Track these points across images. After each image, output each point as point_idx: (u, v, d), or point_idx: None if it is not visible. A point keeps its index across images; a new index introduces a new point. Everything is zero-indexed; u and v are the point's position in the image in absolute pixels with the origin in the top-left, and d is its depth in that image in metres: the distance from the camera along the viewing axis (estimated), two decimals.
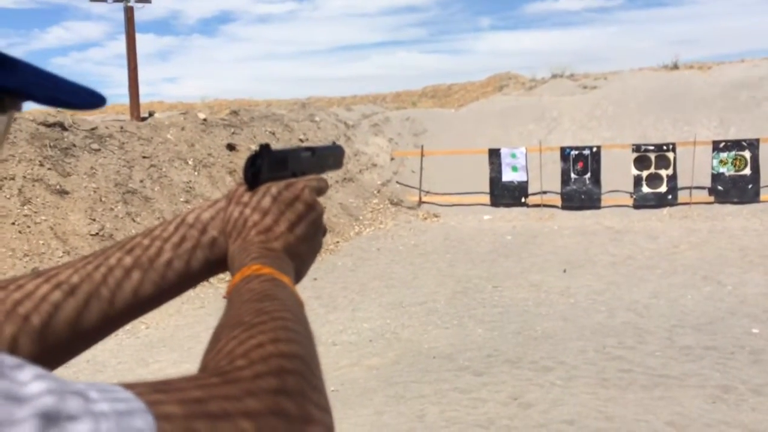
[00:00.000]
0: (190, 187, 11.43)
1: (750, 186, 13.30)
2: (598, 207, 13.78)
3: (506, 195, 14.42)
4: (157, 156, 11.55)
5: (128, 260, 0.69)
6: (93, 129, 10.96)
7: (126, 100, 14.52)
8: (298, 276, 0.72)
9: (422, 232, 12.83)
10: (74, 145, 10.38)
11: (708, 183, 13.53)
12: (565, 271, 9.40)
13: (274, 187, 0.73)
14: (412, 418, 4.81)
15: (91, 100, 0.55)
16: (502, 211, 14.15)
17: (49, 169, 9.63)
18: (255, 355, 0.49)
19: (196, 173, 11.84)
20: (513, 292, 8.42)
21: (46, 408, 0.33)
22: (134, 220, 9.89)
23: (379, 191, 14.72)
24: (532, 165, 14.20)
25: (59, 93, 0.53)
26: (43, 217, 8.91)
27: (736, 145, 13.61)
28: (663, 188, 13.67)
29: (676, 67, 18.25)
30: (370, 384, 5.56)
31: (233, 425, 0.43)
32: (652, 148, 13.89)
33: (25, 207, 8.88)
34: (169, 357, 6.57)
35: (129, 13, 14.27)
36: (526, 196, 14.33)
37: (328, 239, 10.97)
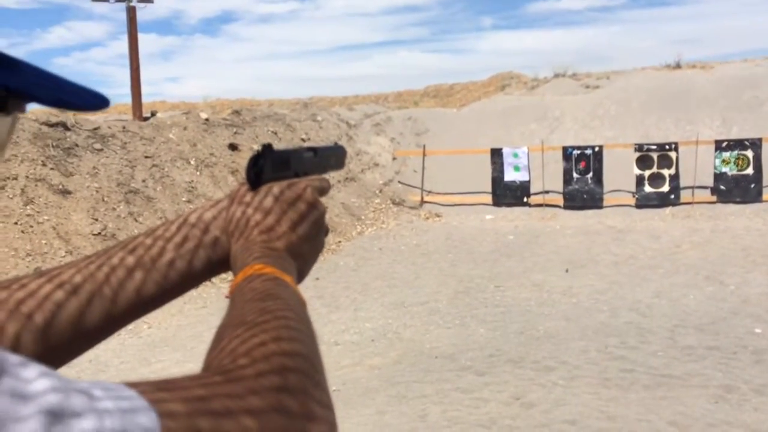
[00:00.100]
0: (193, 187, 11.44)
1: (752, 185, 13.28)
2: (601, 207, 13.76)
3: (508, 195, 14.41)
4: (159, 156, 11.56)
5: (131, 260, 0.69)
6: (95, 129, 10.98)
7: (128, 100, 14.53)
8: (301, 276, 0.72)
9: (424, 231, 12.83)
10: (77, 145, 10.40)
11: (710, 182, 13.51)
12: (567, 270, 9.40)
13: (276, 187, 0.73)
14: (414, 418, 4.81)
15: (95, 101, 0.55)
16: (504, 210, 14.14)
17: (51, 169, 9.65)
18: (257, 354, 0.49)
19: (198, 173, 11.85)
20: (515, 292, 8.41)
21: (51, 405, 0.33)
22: (136, 220, 9.90)
23: (381, 191, 14.72)
24: (534, 165, 14.19)
25: (63, 94, 0.53)
26: (46, 217, 8.93)
27: (738, 144, 13.58)
28: (665, 188, 13.65)
29: (678, 66, 18.23)
30: (372, 384, 5.56)
31: (236, 423, 0.43)
32: (654, 147, 13.87)
33: (28, 207, 8.90)
34: (172, 356, 6.58)
35: (131, 12, 14.28)
36: (528, 195, 14.32)
37: (330, 239, 10.97)
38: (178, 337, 7.20)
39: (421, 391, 5.30)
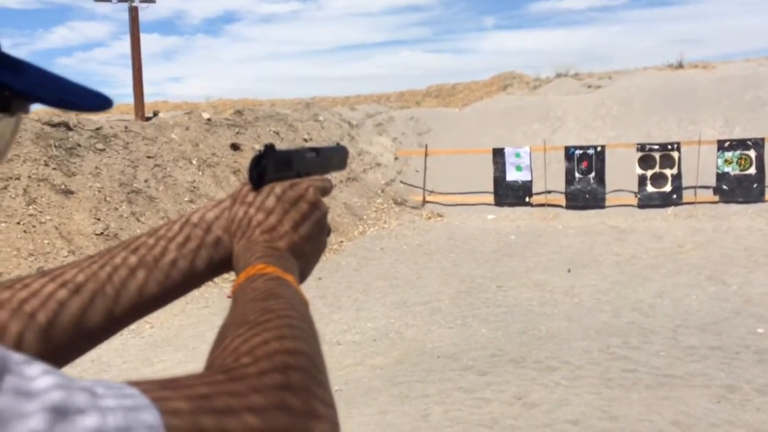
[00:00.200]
0: (195, 187, 11.45)
1: (755, 185, 13.26)
2: (603, 206, 13.75)
3: (510, 194, 14.40)
4: (161, 156, 11.57)
5: (133, 259, 0.69)
6: (98, 129, 10.99)
7: (130, 100, 14.54)
8: (303, 276, 0.72)
9: (426, 231, 12.82)
10: (79, 145, 10.41)
11: (713, 182, 13.49)
12: (569, 270, 9.39)
13: (278, 187, 0.73)
14: (416, 418, 4.81)
15: (98, 102, 0.56)
16: (506, 210, 14.14)
17: (54, 168, 9.66)
18: (260, 352, 0.50)
19: (200, 173, 11.86)
20: (517, 292, 8.41)
21: (55, 402, 0.34)
22: (139, 220, 9.91)
23: (383, 191, 14.72)
24: (537, 164, 14.19)
25: (67, 95, 0.53)
26: (48, 217, 8.94)
27: (741, 144, 13.56)
28: (668, 188, 13.63)
29: (680, 66, 18.21)
30: (374, 383, 5.56)
31: (239, 420, 0.43)
32: (656, 147, 13.86)
33: (30, 207, 8.91)
34: (174, 356, 6.58)
35: (133, 13, 14.29)
36: (531, 195, 14.31)
37: (332, 239, 10.98)
38: (180, 337, 7.20)
39: (423, 391, 5.29)
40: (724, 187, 13.41)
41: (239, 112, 14.39)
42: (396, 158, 16.04)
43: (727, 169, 13.46)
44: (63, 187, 9.51)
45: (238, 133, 13.42)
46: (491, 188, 14.52)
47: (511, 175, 14.43)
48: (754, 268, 9.02)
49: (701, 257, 9.85)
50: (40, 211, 8.94)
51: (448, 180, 15.09)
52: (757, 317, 6.91)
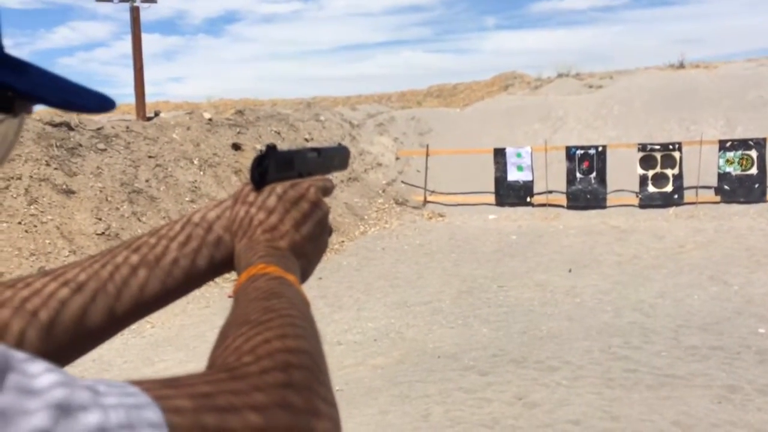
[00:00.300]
0: (196, 187, 11.45)
1: (756, 185, 13.25)
2: (604, 206, 13.75)
3: (511, 194, 14.40)
4: (162, 156, 11.58)
5: (135, 258, 0.69)
6: (99, 129, 11.00)
7: (132, 100, 14.56)
8: (304, 276, 0.73)
9: (427, 231, 12.82)
10: (80, 145, 10.42)
11: (714, 182, 13.48)
12: (570, 270, 9.39)
13: (279, 187, 0.74)
14: (416, 418, 4.81)
15: (101, 103, 0.56)
16: (508, 210, 14.14)
17: (55, 168, 9.67)
18: (262, 351, 0.50)
19: (201, 173, 11.87)
20: (518, 292, 8.41)
21: (58, 399, 0.34)
22: (140, 220, 9.92)
23: (384, 191, 14.73)
24: (538, 164, 14.18)
25: (70, 96, 0.53)
26: (50, 217, 8.95)
27: (742, 144, 13.55)
28: (669, 188, 13.63)
29: (682, 66, 18.20)
30: (374, 383, 5.57)
31: (241, 419, 0.43)
32: (657, 147, 13.85)
33: (32, 206, 8.92)
34: (175, 356, 6.59)
35: (135, 13, 14.31)
36: (532, 195, 14.30)
37: (333, 239, 10.98)
38: (181, 337, 7.21)
39: (424, 391, 5.29)
40: (726, 187, 13.40)
41: (240, 112, 14.40)
42: (397, 158, 16.04)
43: (729, 169, 13.45)
44: (64, 186, 9.52)
45: (239, 133, 13.42)
46: (492, 188, 14.52)
47: (513, 175, 14.43)
48: (756, 269, 9.01)
49: (703, 257, 9.85)
50: (42, 211, 8.95)
51: (449, 180, 15.08)
52: (759, 317, 6.90)
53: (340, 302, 8.30)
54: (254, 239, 0.70)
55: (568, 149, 14.19)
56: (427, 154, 15.27)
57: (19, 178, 9.17)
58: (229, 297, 0.64)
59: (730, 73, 16.60)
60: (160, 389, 0.41)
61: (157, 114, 14.24)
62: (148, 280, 0.69)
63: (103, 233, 9.20)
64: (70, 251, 8.56)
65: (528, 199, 14.29)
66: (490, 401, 5.04)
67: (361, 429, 4.67)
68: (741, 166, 13.40)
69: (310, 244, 0.73)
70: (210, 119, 13.33)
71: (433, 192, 15.01)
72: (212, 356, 0.53)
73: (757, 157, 13.34)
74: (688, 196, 13.48)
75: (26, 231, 8.56)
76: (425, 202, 14.82)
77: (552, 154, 14.19)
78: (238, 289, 0.63)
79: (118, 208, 9.83)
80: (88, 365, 6.04)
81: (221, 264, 0.73)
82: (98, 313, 0.66)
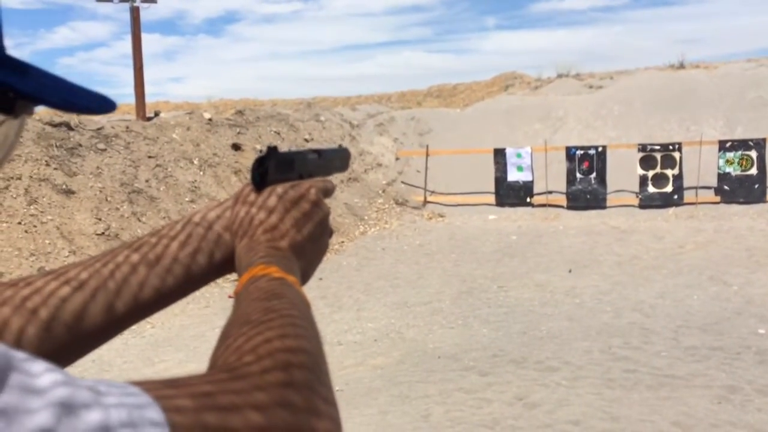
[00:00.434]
0: (196, 187, 11.45)
1: (756, 186, 13.25)
2: (604, 207, 13.75)
3: (511, 195, 14.40)
4: (162, 156, 11.58)
5: (135, 257, 0.70)
6: (99, 129, 11.00)
7: (132, 100, 14.57)
8: (305, 277, 0.73)
9: (427, 231, 12.83)
10: (80, 145, 10.42)
11: (714, 183, 13.48)
12: (570, 271, 9.39)
13: (280, 187, 0.74)
14: (416, 418, 4.81)
15: (102, 104, 0.56)
16: (508, 211, 14.14)
17: (55, 168, 9.67)
18: (263, 351, 0.50)
19: (201, 173, 11.87)
20: (518, 292, 8.41)
21: (61, 398, 0.34)
22: (140, 220, 9.92)
23: (384, 191, 14.73)
24: (538, 165, 14.18)
25: (71, 97, 0.54)
26: (50, 217, 8.95)
27: (742, 144, 13.56)
28: (669, 188, 13.63)
29: (682, 66, 18.20)
30: (374, 384, 5.57)
31: (243, 418, 0.44)
32: (657, 147, 13.86)
33: (32, 206, 8.92)
34: (175, 356, 6.59)
35: (135, 13, 14.31)
36: (532, 195, 14.31)
37: (333, 239, 10.96)
38: (181, 337, 7.21)
39: (424, 392, 5.30)
40: (726, 187, 13.40)
41: (240, 112, 14.40)
42: (397, 158, 16.04)
43: (729, 169, 13.45)
44: (64, 187, 9.52)
45: (239, 133, 13.43)
46: (492, 188, 14.52)
47: (512, 176, 14.43)
48: (756, 269, 9.01)
49: (702, 258, 9.85)
50: (42, 211, 8.95)
51: (449, 180, 15.09)
52: (759, 318, 6.90)
53: (340, 302, 8.30)
54: (255, 239, 0.70)
55: (568, 149, 14.19)
56: (427, 155, 15.27)
57: (19, 178, 9.17)
58: (230, 297, 0.64)
59: (730, 73, 16.60)
60: (161, 389, 0.41)
61: (157, 114, 14.24)
62: (149, 278, 0.69)
63: (103, 233, 9.20)
64: (70, 251, 8.56)
65: (528, 200, 14.30)
66: (490, 401, 5.04)
67: (361, 429, 4.67)
68: (741, 166, 13.40)
69: (310, 245, 0.73)
70: (210, 119, 13.33)
71: (433, 192, 15.01)
72: (213, 356, 0.53)
73: (757, 157, 13.34)
74: (688, 196, 13.48)
75: (26, 231, 8.56)
76: (425, 202, 14.82)
77: (552, 155, 14.20)
78: (240, 289, 0.64)
79: (118, 208, 9.83)
80: (88, 365, 6.04)
81: (221, 264, 0.73)
82: (98, 311, 0.66)
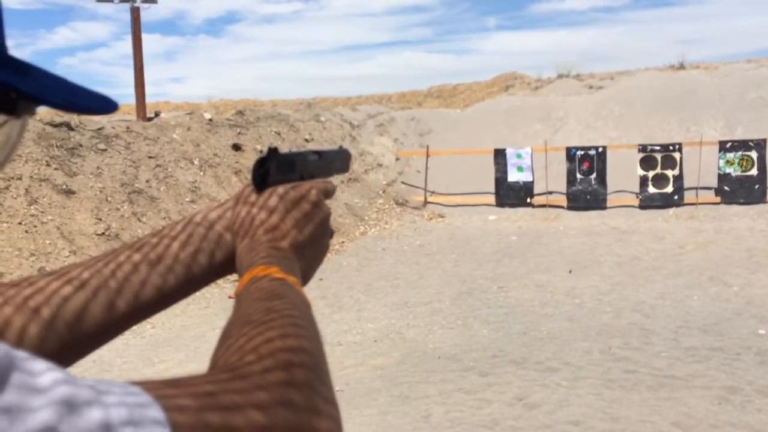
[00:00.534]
0: (196, 187, 11.46)
1: (757, 186, 13.25)
2: (604, 207, 13.75)
3: (512, 195, 14.40)
4: (162, 156, 11.58)
5: (137, 256, 0.70)
6: (99, 129, 11.00)
7: (132, 100, 14.56)
8: (305, 278, 0.73)
9: (427, 232, 12.83)
10: (81, 145, 10.42)
11: (714, 183, 13.48)
12: (570, 271, 9.39)
13: (281, 188, 0.74)
14: (417, 419, 4.81)
15: (104, 105, 0.57)
16: (508, 211, 14.14)
17: (55, 169, 9.67)
18: (264, 350, 0.51)
19: (201, 173, 11.87)
20: (518, 293, 8.41)
21: (63, 396, 0.34)
22: (140, 220, 9.92)
23: (384, 191, 14.73)
24: (538, 165, 14.19)
25: (74, 98, 0.54)
26: (50, 217, 8.95)
27: (742, 145, 13.56)
28: (669, 188, 13.63)
29: (682, 67, 18.20)
30: (374, 384, 5.57)
31: (245, 417, 0.44)
32: (658, 148, 13.86)
33: (32, 207, 8.92)
34: (175, 357, 6.59)
35: (135, 13, 14.31)
36: (532, 196, 14.31)
37: (333, 239, 10.97)
38: (181, 338, 7.21)
39: (424, 392, 5.30)
40: (726, 188, 13.40)
41: (241, 113, 14.40)
42: (397, 159, 16.04)
43: (729, 170, 13.45)
44: (64, 187, 9.53)
45: (239, 133, 13.43)
46: (492, 189, 14.52)
47: (513, 176, 14.43)
48: (756, 269, 9.01)
49: (702, 258, 9.85)
50: (42, 211, 8.96)
51: (449, 181, 15.09)
52: (759, 318, 6.90)
53: (340, 303, 8.31)
54: (256, 239, 0.71)
55: (569, 150, 14.19)
56: (428, 155, 15.28)
57: (20, 179, 9.18)
58: (230, 298, 0.64)
59: (731, 73, 16.60)
60: (162, 389, 0.41)
61: (157, 114, 14.25)
62: (150, 276, 0.69)
63: (103, 233, 9.20)
64: (70, 251, 8.56)
65: (528, 200, 14.30)
66: (490, 402, 5.04)
67: (361, 430, 4.67)
68: (741, 167, 13.41)
69: (311, 246, 0.73)
70: (210, 120, 13.33)
71: (433, 193, 15.02)
72: (214, 356, 0.53)
73: (757, 158, 13.34)
74: (688, 196, 13.49)
75: (26, 231, 8.56)
76: (425, 202, 14.82)
77: (552, 155, 14.20)
78: (240, 290, 0.64)
79: (118, 209, 9.83)
80: (88, 366, 6.04)
81: (222, 264, 0.74)
82: (99, 309, 0.66)
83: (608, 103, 16.56)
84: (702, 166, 13.20)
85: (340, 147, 0.95)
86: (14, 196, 8.94)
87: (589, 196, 13.91)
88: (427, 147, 15.63)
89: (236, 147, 12.99)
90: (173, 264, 0.71)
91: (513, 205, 14.27)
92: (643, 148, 13.87)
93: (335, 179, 0.89)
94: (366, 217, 13.37)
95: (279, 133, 14.19)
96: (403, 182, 15.45)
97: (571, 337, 6.54)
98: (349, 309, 8.03)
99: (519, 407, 4.94)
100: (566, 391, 5.19)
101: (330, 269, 9.75)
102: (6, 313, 0.62)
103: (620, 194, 13.89)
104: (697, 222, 12.50)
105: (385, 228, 13.04)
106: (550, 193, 14.14)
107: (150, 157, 11.32)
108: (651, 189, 13.71)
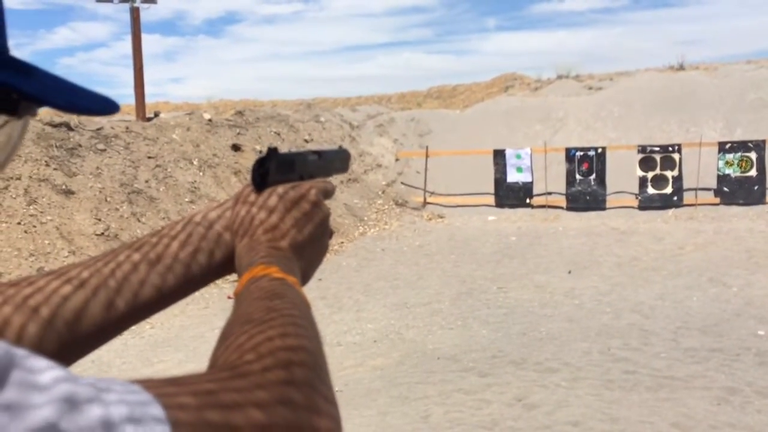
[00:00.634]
0: (195, 188, 11.45)
1: (756, 187, 13.26)
2: (603, 208, 13.75)
3: (511, 196, 14.40)
4: (162, 156, 11.58)
5: (136, 256, 0.70)
6: (99, 129, 11.00)
7: (132, 101, 14.54)
8: (304, 278, 0.73)
9: (427, 232, 12.83)
10: (80, 146, 10.42)
11: (714, 184, 13.49)
12: (570, 272, 9.39)
13: (280, 188, 0.74)
14: (416, 419, 4.81)
15: (105, 105, 0.57)
16: (507, 212, 14.14)
17: (54, 169, 9.67)
18: (264, 349, 0.51)
19: (201, 173, 11.87)
20: (518, 293, 8.41)
21: (64, 393, 0.34)
22: (139, 220, 9.92)
23: (383, 192, 14.73)
24: (537, 166, 14.19)
25: (75, 99, 0.54)
26: (49, 217, 8.95)
27: (742, 146, 13.57)
28: (668, 189, 13.63)
29: (682, 67, 18.21)
30: (374, 384, 5.57)
31: (245, 415, 0.44)
32: (657, 149, 13.86)
33: (31, 207, 8.92)
34: (174, 357, 6.59)
35: (135, 13, 14.30)
36: (531, 197, 14.31)
37: (332, 239, 10.97)
38: (180, 338, 7.21)
39: (424, 393, 5.29)
40: (725, 189, 13.41)
41: (240, 113, 14.40)
42: (397, 159, 16.04)
43: (728, 171, 13.46)
44: (64, 187, 9.52)
45: (239, 133, 13.43)
46: (492, 189, 14.52)
47: (512, 177, 14.43)
48: (755, 270, 9.02)
49: (702, 259, 9.85)
50: (41, 212, 8.95)
51: (448, 181, 15.09)
52: (758, 319, 6.90)
53: (340, 303, 8.30)
54: (255, 239, 0.71)
55: (568, 151, 14.20)
56: (427, 156, 15.28)
57: (19, 179, 9.17)
58: (229, 298, 0.65)
59: (730, 74, 16.61)
60: (163, 387, 0.42)
61: (156, 114, 14.24)
62: (149, 276, 0.69)
63: (102, 234, 9.20)
64: (69, 252, 8.56)
65: (527, 201, 14.30)
66: (490, 402, 5.04)
67: (360, 430, 4.67)
68: (740, 167, 13.41)
69: (310, 246, 0.74)
70: (210, 120, 13.33)
71: (432, 193, 15.02)
72: (214, 355, 0.53)
73: (757, 159, 13.35)
74: (688, 197, 13.49)
75: (25, 231, 8.56)
76: (425, 203, 14.82)
77: (551, 156, 14.20)
78: (240, 289, 0.64)
79: (117, 209, 9.83)
80: (86, 366, 6.04)
81: (222, 263, 0.74)
82: (99, 309, 0.66)
83: (608, 104, 16.57)
84: (701, 167, 13.20)
85: (340, 147, 0.95)
86: (13, 196, 8.94)
87: (588, 197, 13.92)
88: (427, 147, 15.63)
89: (236, 147, 12.99)
90: (172, 263, 0.71)
91: (512, 206, 14.28)
92: (642, 149, 13.87)
93: (335, 179, 0.89)
94: (365, 218, 13.37)
95: (279, 134, 14.19)
96: (402, 183, 15.45)
97: (571, 338, 6.54)
98: (349, 309, 8.03)
99: (518, 408, 4.94)
100: (565, 391, 5.19)
101: (329, 269, 9.75)
102: (5, 312, 0.62)
103: (620, 195, 13.89)
104: (697, 223, 12.50)
105: (384, 228, 13.04)
106: (550, 193, 14.15)
107: (149, 158, 11.32)
108: (650, 190, 13.71)
